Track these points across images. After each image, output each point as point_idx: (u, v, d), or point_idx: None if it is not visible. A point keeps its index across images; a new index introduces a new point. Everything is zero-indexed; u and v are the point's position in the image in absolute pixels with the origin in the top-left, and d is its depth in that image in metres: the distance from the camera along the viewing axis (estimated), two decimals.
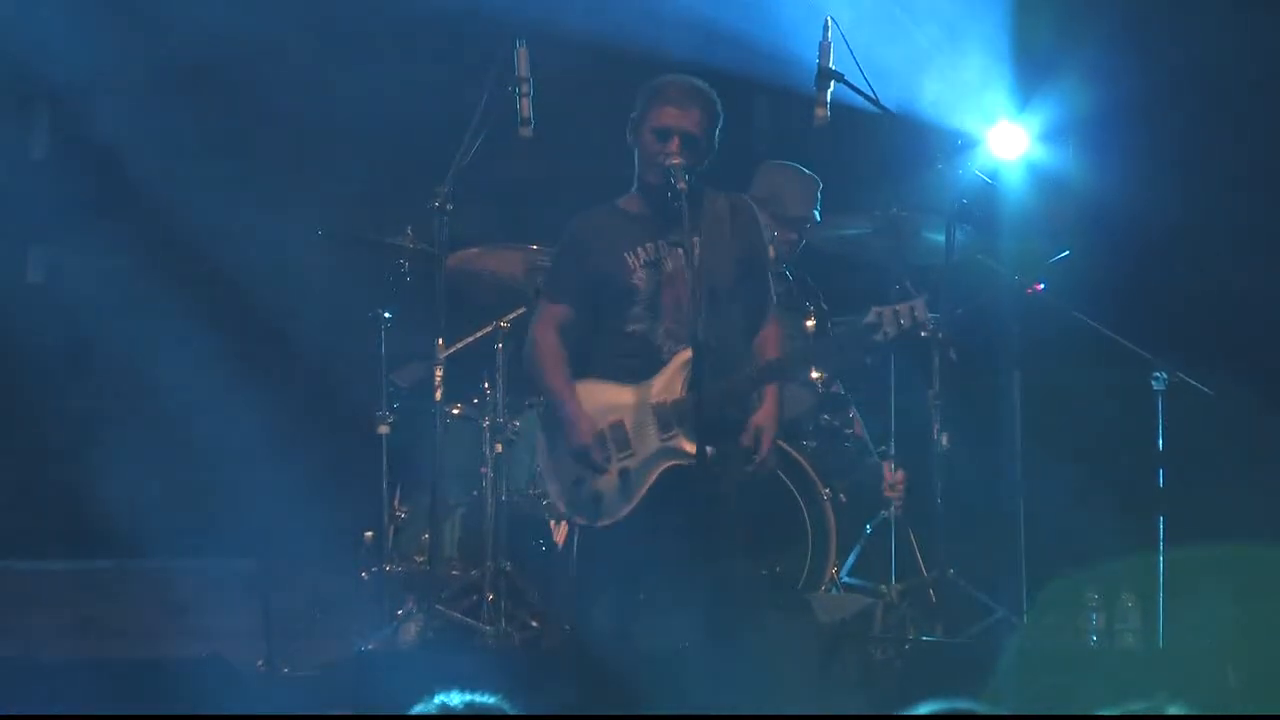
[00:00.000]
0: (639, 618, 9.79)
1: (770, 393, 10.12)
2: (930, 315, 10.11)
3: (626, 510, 9.91)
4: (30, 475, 11.88)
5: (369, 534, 11.06)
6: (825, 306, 11.20)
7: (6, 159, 11.99)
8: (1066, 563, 11.05)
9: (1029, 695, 7.51)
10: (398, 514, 11.18)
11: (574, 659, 9.37)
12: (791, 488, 10.60)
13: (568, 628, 10.32)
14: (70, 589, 11.67)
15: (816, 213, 11.63)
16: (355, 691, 9.65)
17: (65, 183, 11.78)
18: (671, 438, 9.93)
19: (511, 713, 5.76)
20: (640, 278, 10.07)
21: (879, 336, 10.04)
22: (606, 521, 9.99)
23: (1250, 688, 8.60)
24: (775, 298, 10.43)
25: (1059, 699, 6.95)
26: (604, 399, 10.02)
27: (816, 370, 11.07)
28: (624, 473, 9.94)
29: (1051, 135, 11.34)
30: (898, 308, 9.97)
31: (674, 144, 9.93)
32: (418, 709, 5.77)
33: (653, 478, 9.91)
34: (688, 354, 9.86)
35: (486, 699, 5.66)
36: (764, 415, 10.08)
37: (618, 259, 10.10)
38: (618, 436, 9.97)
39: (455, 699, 5.63)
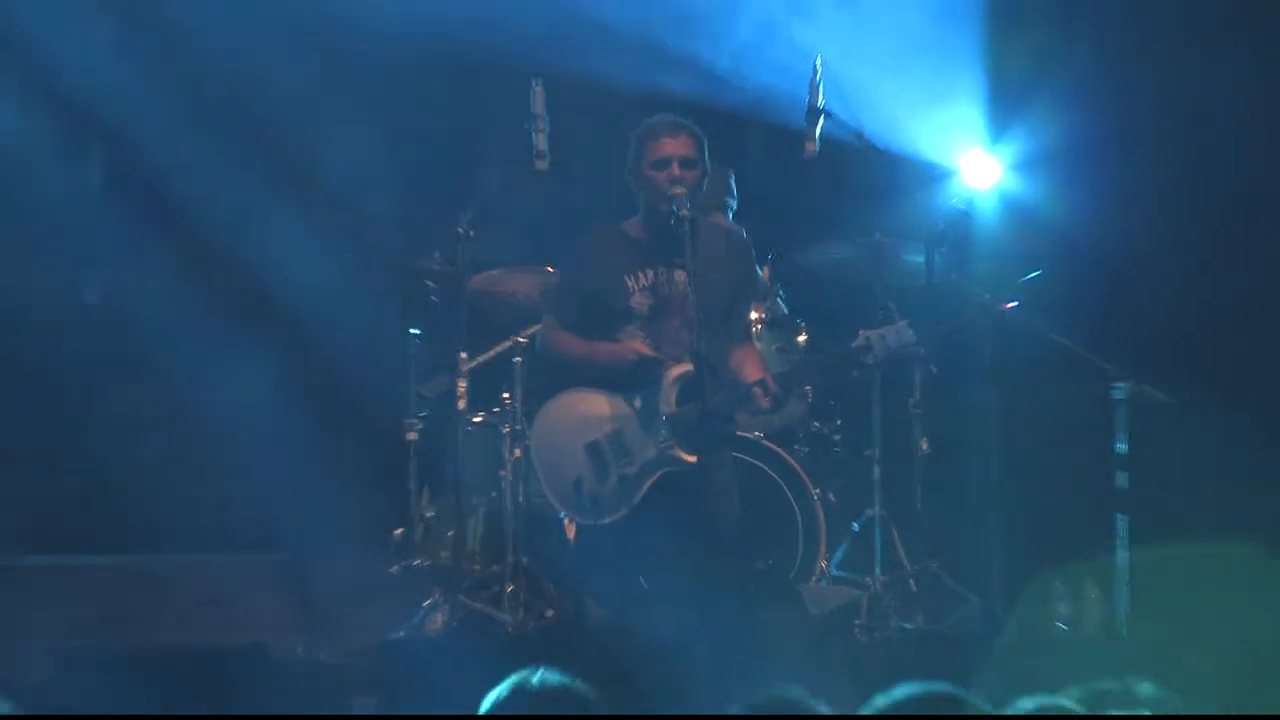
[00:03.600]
0: (636, 608, 10.00)
1: (750, 355, 10.32)
2: (912, 335, 10.22)
3: (624, 511, 10.12)
4: (80, 477, 11.85)
5: (398, 531, 11.14)
6: (800, 322, 11.21)
7: (63, 187, 11.94)
8: (1037, 557, 11.04)
9: (1002, 678, 7.47)
10: (425, 513, 11.20)
11: (576, 645, 9.59)
12: (785, 488, 10.79)
13: (575, 617, 10.40)
14: (114, 582, 11.56)
15: (733, 200, 11.58)
16: (386, 677, 9.72)
17: (120, 210, 11.82)
18: (667, 447, 10.13)
19: (582, 689, 5.77)
20: (639, 300, 10.26)
21: (868, 359, 10.20)
22: (605, 521, 10.16)
23: (1212, 674, 8.60)
24: (760, 322, 10.82)
25: (1029, 681, 6.43)
26: (603, 409, 10.25)
27: (808, 383, 11.05)
28: (622, 478, 10.14)
29: (1022, 165, 11.48)
30: (883, 331, 10.15)
31: (674, 168, 10.16)
32: (499, 688, 5.83)
33: (649, 483, 10.12)
34: (680, 369, 10.13)
35: (561, 677, 5.71)
36: (755, 371, 10.21)
37: (618, 282, 10.30)
38: (615, 445, 10.19)
39: (536, 677, 5.69)
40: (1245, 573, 10.69)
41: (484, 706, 5.74)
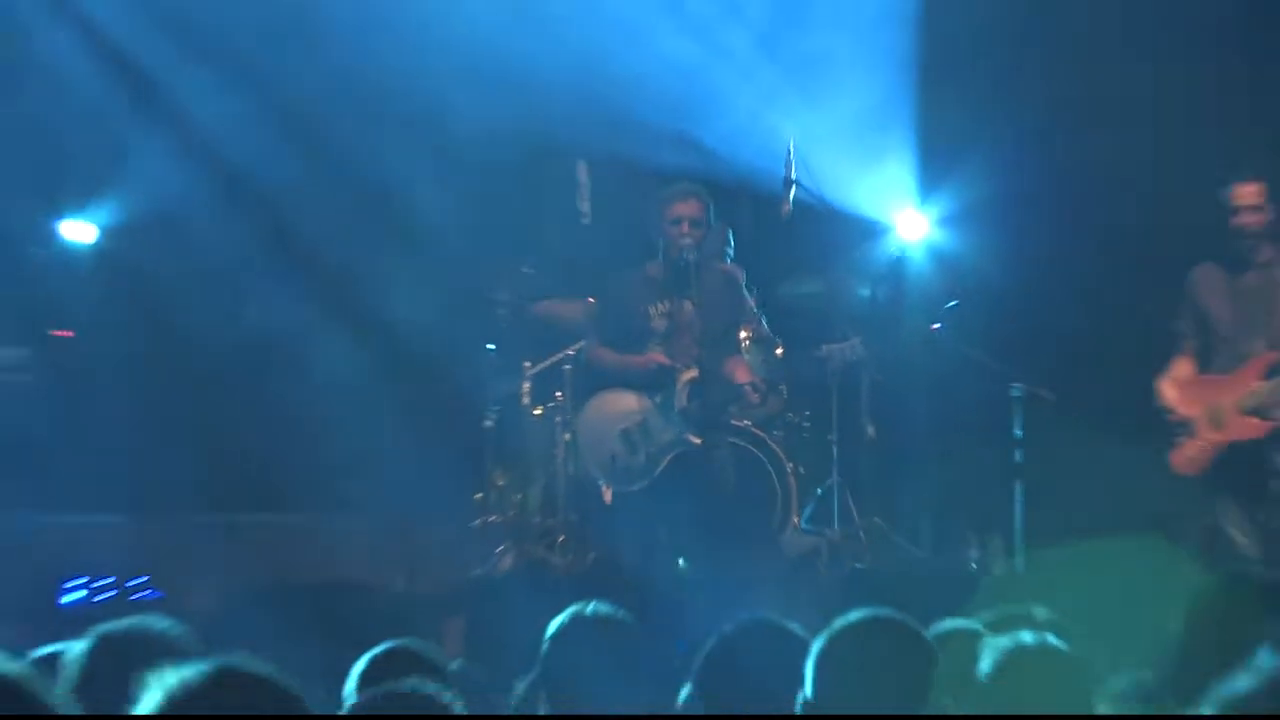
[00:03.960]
0: (656, 556, 10.05)
1: (740, 364, 10.28)
2: (862, 350, 10.32)
3: (648, 481, 10.23)
4: (241, 456, 11.65)
5: (478, 496, 11.17)
6: (778, 339, 10.90)
7: (223, 237, 11.64)
8: (956, 515, 11.11)
9: (930, 605, 7.07)
10: (497, 482, 11.23)
11: (611, 582, 9.28)
12: (766, 463, 10.71)
13: (611, 560, 10.31)
14: (266, 535, 11.50)
15: (729, 248, 11.37)
16: (469, 605, 9.61)
17: (271, 256, 11.69)
18: (680, 433, 10.22)
19: (623, 616, 5.71)
20: (657, 324, 10.31)
21: (829, 367, 10.35)
22: (634, 488, 10.29)
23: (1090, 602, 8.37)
24: (749, 339, 10.64)
25: (950, 608, 6.18)
26: (632, 404, 10.34)
27: (783, 385, 10.98)
28: (647, 456, 10.24)
29: (945, 220, 11.41)
30: (840, 346, 10.29)
31: (685, 226, 10.19)
32: (561, 616, 5.81)
33: (666, 460, 10.22)
34: (689, 374, 10.20)
35: (608, 608, 5.71)
36: (745, 375, 10.20)
37: (642, 310, 10.35)
38: (642, 431, 10.28)
39: (589, 608, 5.69)
40: (1117, 524, 10.08)
41: (550, 630, 5.73)
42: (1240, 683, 3.04)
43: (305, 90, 11.53)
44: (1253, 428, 9.71)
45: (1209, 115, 11.17)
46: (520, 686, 5.89)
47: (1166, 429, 9.98)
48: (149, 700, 3.30)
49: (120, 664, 3.88)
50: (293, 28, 11.35)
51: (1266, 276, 9.80)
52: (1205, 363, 9.97)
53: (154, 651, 3.60)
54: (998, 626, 5.40)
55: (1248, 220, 9.74)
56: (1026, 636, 4.78)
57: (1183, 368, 9.96)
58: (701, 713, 4.90)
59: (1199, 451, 9.82)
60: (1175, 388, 9.94)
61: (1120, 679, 5.55)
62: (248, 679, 3.38)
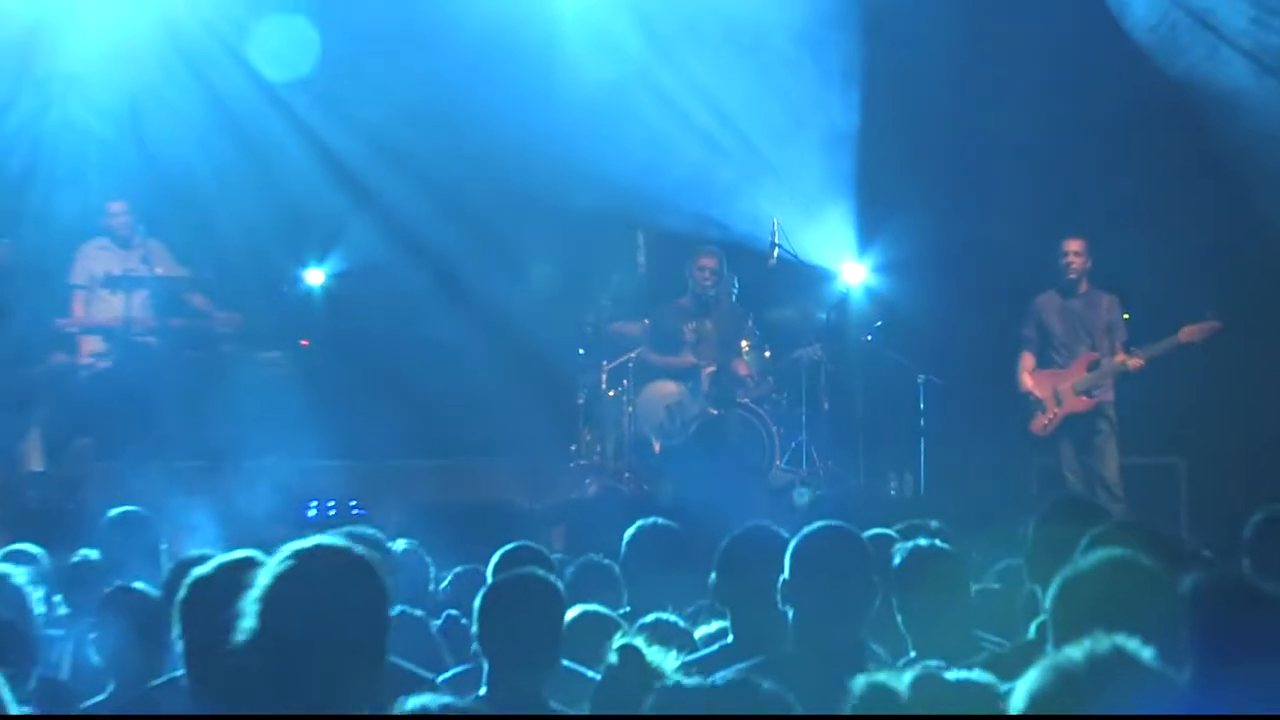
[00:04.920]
0: (689, 486, 9.92)
1: (742, 363, 10.37)
2: (821, 352, 10.52)
3: (684, 438, 10.37)
4: (414, 419, 11.15)
5: (573, 447, 10.99)
6: (767, 345, 10.75)
7: (404, 269, 11.37)
8: (881, 458, 10.87)
9: (863, 519, 6.19)
10: (585, 437, 10.98)
11: (661, 503, 9.25)
12: (759, 427, 10.55)
13: (660, 489, 10.29)
14: (437, 473, 11.26)
15: (735, 288, 10.98)
16: (569, 518, 9.55)
17: (437, 282, 11.37)
18: (704, 407, 10.37)
19: (674, 525, 5.67)
20: (689, 336, 10.48)
21: (801, 364, 10.45)
22: (674, 442, 10.42)
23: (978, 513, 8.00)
24: (748, 346, 10.61)
25: (877, 520, 5.87)
26: (672, 389, 10.49)
27: (771, 376, 10.79)
28: (683, 421, 10.37)
29: (878, 268, 11.08)
30: (807, 350, 10.49)
31: (707, 273, 10.43)
32: (632, 527, 5.71)
33: (695, 425, 10.37)
34: (710, 369, 10.39)
35: (666, 521, 5.73)
36: (746, 370, 10.32)
37: (679, 328, 10.52)
38: (679, 405, 10.41)
39: (649, 521, 5.68)
40: (989, 466, 10.50)
41: (626, 536, 5.71)
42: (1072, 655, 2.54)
43: (457, 175, 11.34)
44: (1083, 403, 10.03)
45: (1062, 198, 11.00)
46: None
47: (1025, 404, 10.15)
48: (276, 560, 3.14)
49: None
50: (450, 131, 11.13)
51: (1086, 300, 10.13)
52: (1044, 360, 10.20)
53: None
54: (906, 533, 5.53)
55: (1073, 263, 10.07)
56: (923, 540, 4.83)
57: (1027, 361, 10.15)
58: (723, 590, 4.70)
59: (1048, 419, 10.08)
60: (1031, 377, 10.16)
61: (996, 566, 5.72)
62: (337, 550, 3.15)
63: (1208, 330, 9.70)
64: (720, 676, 2.96)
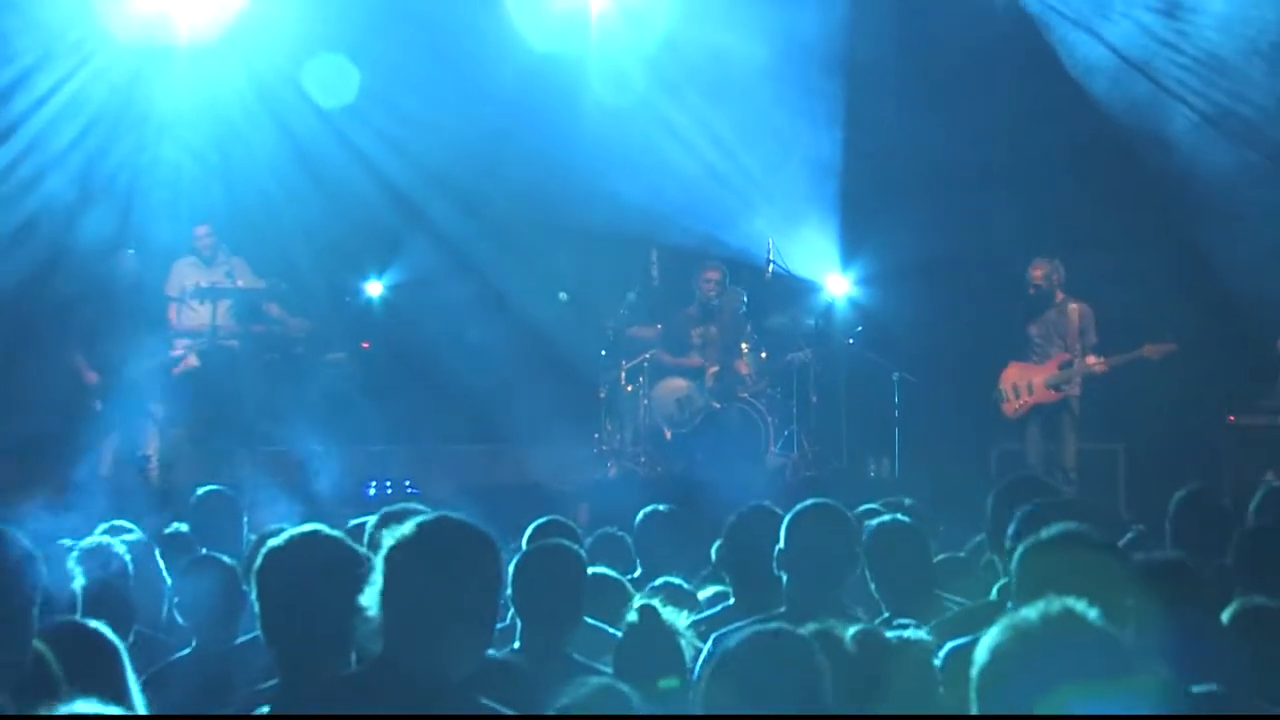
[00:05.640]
0: (696, 467, 10.03)
1: (743, 362, 10.28)
2: (810, 354, 10.46)
3: (691, 427, 10.31)
4: (459, 410, 11.08)
5: (597, 435, 10.88)
6: (764, 348, 10.69)
7: (453, 284, 11.22)
8: (861, 443, 10.80)
9: (847, 497, 5.97)
10: (606, 426, 10.91)
11: (671, 483, 9.36)
12: (757, 418, 10.48)
13: (671, 471, 10.27)
14: (477, 457, 11.23)
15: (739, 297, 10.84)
16: (591, 496, 9.31)
17: (477, 299, 11.16)
18: (709, 400, 10.30)
19: (679, 510, 5.59)
20: (696, 340, 10.39)
21: (793, 365, 10.39)
22: (683, 431, 10.34)
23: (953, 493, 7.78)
24: (748, 348, 10.57)
25: (859, 499, 5.76)
26: (682, 385, 10.39)
27: (767, 375, 10.69)
28: (690, 412, 10.28)
29: (859, 282, 11.00)
30: (798, 353, 10.41)
31: (711, 285, 10.35)
32: (644, 510, 5.62)
33: (701, 416, 10.31)
34: (714, 369, 10.32)
35: (670, 506, 5.70)
36: (746, 369, 10.24)
37: (687, 332, 10.43)
38: (688, 399, 10.33)
39: (662, 506, 5.63)
40: (958, 451, 10.47)
41: (638, 516, 5.66)
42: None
43: (497, 200, 11.30)
44: (1051, 396, 10.15)
45: (1022, 220, 10.93)
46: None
47: (994, 395, 10.16)
48: (403, 528, 3.05)
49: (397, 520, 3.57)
50: (491, 162, 11.08)
51: (1059, 310, 10.24)
52: (1023, 357, 10.30)
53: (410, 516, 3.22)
54: (885, 509, 5.43)
55: (1039, 281, 10.16)
56: (889, 515, 4.85)
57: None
58: (727, 559, 4.66)
59: (1020, 407, 10.18)
60: (1012, 366, 10.25)
61: (967, 543, 5.60)
62: (459, 524, 3.11)
63: (1166, 350, 9.79)
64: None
